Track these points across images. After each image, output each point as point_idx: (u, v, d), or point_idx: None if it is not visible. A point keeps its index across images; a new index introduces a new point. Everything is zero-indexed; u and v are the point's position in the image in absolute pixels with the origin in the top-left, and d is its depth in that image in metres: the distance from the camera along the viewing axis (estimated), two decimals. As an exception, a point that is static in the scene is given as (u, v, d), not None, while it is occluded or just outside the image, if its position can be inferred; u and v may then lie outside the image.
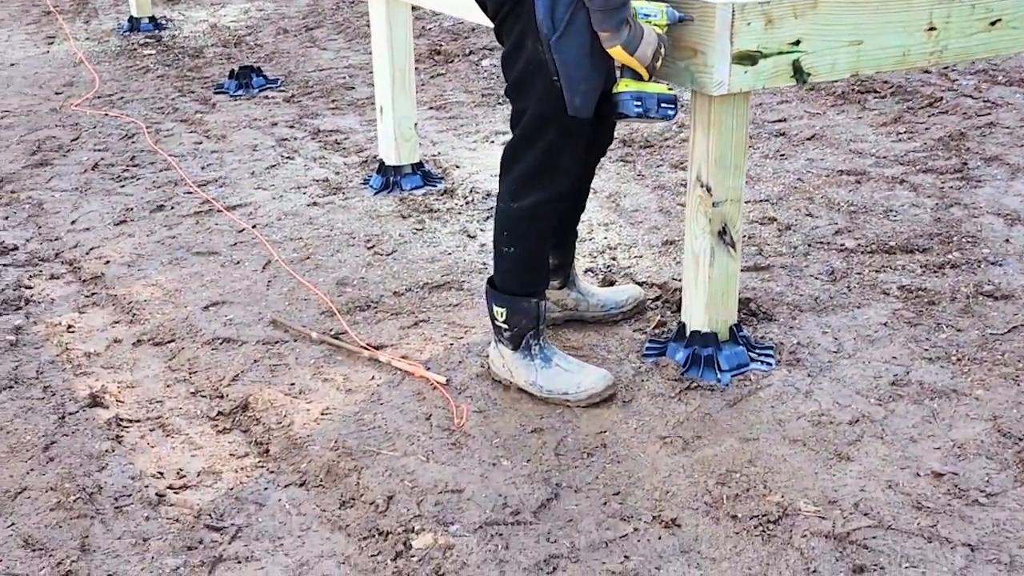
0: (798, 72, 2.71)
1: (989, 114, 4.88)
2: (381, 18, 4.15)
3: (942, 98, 5.08)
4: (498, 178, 2.78)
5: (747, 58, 2.61)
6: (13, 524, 2.43)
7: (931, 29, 2.83)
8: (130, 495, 2.52)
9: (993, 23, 2.92)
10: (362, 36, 6.87)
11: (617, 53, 2.50)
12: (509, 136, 2.75)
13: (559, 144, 2.63)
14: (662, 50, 2.55)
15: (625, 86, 2.57)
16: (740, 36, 2.58)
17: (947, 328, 3.08)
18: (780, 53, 2.66)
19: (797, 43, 2.67)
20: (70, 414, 2.85)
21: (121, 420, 2.82)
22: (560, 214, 2.87)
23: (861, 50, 2.77)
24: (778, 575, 2.16)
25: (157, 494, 2.51)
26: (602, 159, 3.06)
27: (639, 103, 2.56)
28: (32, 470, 2.62)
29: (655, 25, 2.56)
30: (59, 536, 2.38)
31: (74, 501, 2.50)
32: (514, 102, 2.69)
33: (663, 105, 2.58)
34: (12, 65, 6.51)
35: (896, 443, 2.57)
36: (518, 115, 2.68)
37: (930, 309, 3.19)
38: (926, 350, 2.97)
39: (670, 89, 2.61)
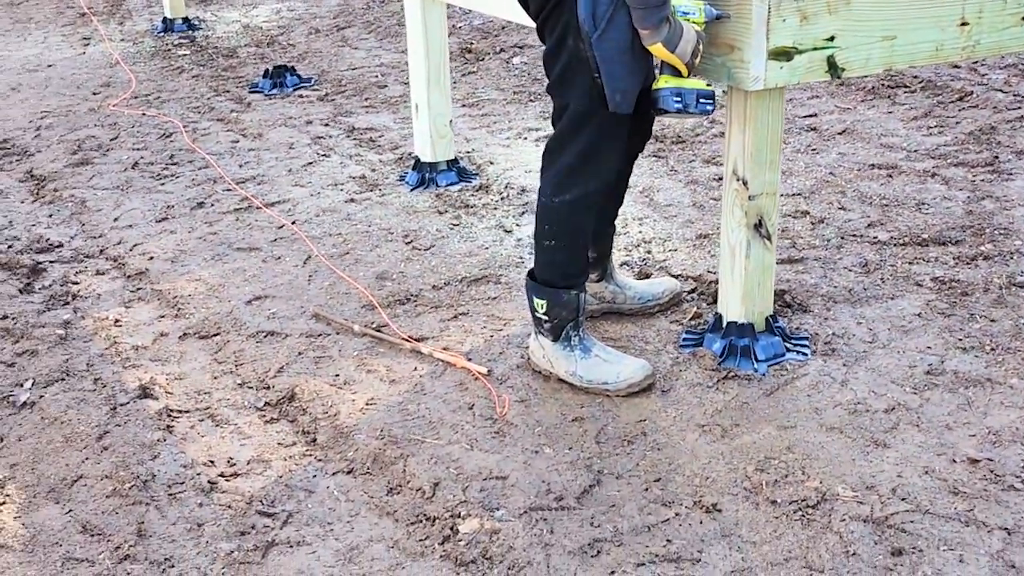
0: (832, 67, 2.75)
1: (1019, 108, 4.89)
2: (416, 16, 4.21)
3: (972, 92, 5.10)
4: (540, 173, 2.84)
5: (783, 54, 2.66)
6: (71, 511, 2.51)
7: (964, 24, 2.87)
8: (183, 482, 2.59)
9: (1025, 17, 2.95)
10: (393, 35, 6.95)
11: (657, 50, 2.56)
12: (543, 132, 2.81)
13: (600, 140, 2.69)
14: (700, 47, 2.60)
15: (665, 82, 2.62)
16: (776, 32, 2.63)
17: (981, 318, 3.12)
18: (815, 49, 2.70)
19: (832, 39, 2.72)
20: (121, 405, 2.93)
21: (171, 411, 2.90)
22: (600, 208, 2.93)
23: (895, 45, 2.81)
24: (818, 558, 2.21)
25: (209, 481, 2.59)
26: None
27: (679, 99, 2.62)
28: (87, 459, 2.70)
29: (693, 22, 2.61)
30: (116, 522, 2.46)
31: (129, 488, 2.57)
32: (556, 99, 2.74)
33: (702, 100, 2.63)
34: (50, 66, 6.62)
35: (932, 430, 2.61)
36: (560, 111, 2.73)
37: (963, 300, 3.22)
38: (960, 340, 3.01)
39: (708, 85, 2.66)
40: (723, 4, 2.68)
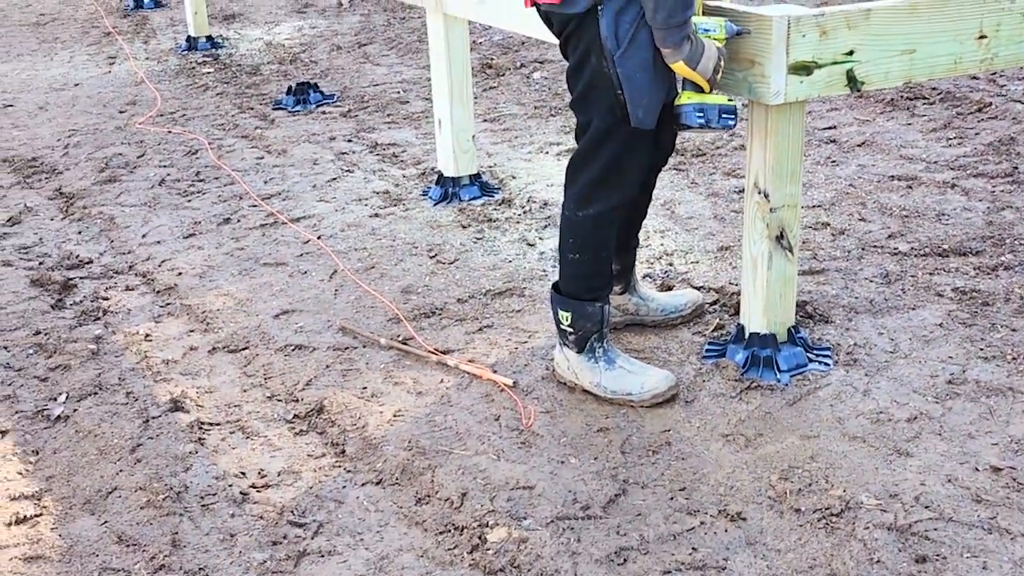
0: (852, 81, 2.79)
1: (1039, 118, 4.92)
2: (439, 34, 4.27)
3: (991, 103, 5.12)
4: (563, 188, 2.88)
5: (803, 68, 2.70)
6: (106, 522, 2.56)
7: (982, 37, 2.90)
8: (215, 494, 2.64)
9: (1043, 29, 2.98)
10: (414, 51, 7.02)
11: (680, 68, 2.60)
12: (564, 147, 2.85)
13: (622, 155, 2.73)
14: (721, 63, 2.64)
15: (687, 98, 2.67)
16: (796, 47, 2.67)
17: (1002, 328, 3.14)
18: (835, 63, 2.74)
19: (851, 53, 2.76)
20: (153, 418, 2.99)
21: (202, 423, 2.95)
22: (623, 221, 2.97)
23: (914, 58, 2.85)
24: (842, 565, 2.24)
25: (241, 493, 2.64)
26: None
27: (701, 114, 2.66)
28: (121, 471, 2.75)
29: (714, 39, 2.65)
30: (151, 532, 2.51)
31: (163, 500, 2.62)
32: (579, 115, 2.79)
33: (724, 116, 2.67)
34: (76, 85, 6.72)
35: (954, 439, 2.64)
36: (583, 127, 2.78)
37: (984, 310, 3.25)
38: (981, 349, 3.03)
39: (730, 100, 2.70)
40: (743, 20, 2.72)
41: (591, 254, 2.84)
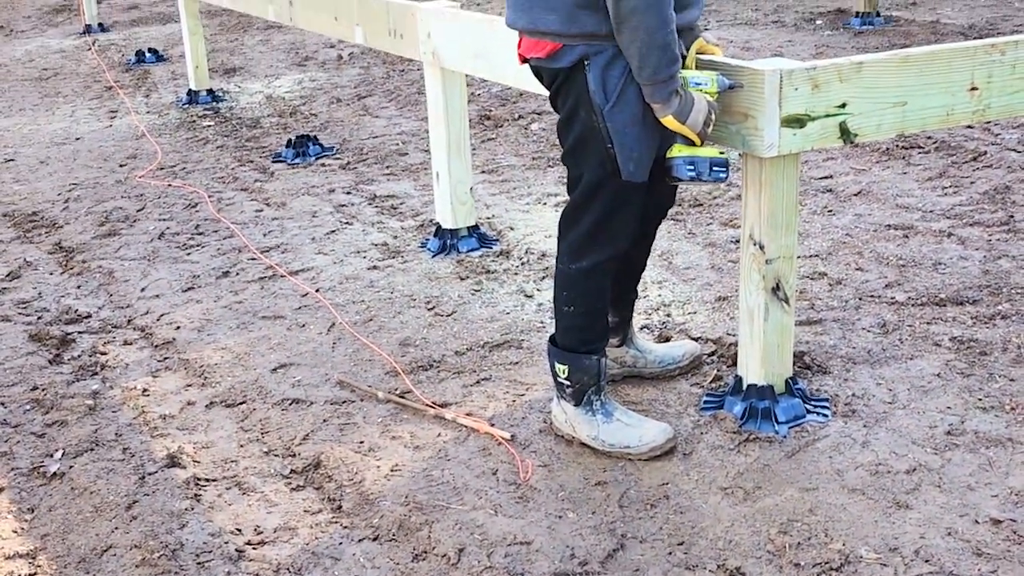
0: (845, 133, 2.81)
1: (1034, 166, 4.94)
2: (437, 87, 4.31)
3: (986, 152, 5.15)
4: (557, 240, 2.89)
5: (796, 121, 2.72)
6: (101, 580, 2.54)
7: (973, 89, 2.93)
8: (211, 551, 2.62)
9: (1034, 81, 3.01)
10: (412, 103, 7.07)
11: (669, 122, 2.62)
12: (562, 198, 2.87)
13: (614, 208, 2.74)
14: (712, 116, 2.66)
15: (678, 151, 2.69)
16: (788, 100, 2.69)
17: (1000, 378, 3.13)
18: (827, 116, 2.76)
19: (843, 106, 2.78)
20: (149, 474, 2.98)
21: (199, 479, 2.94)
22: (619, 273, 2.98)
23: (906, 110, 2.87)
24: (843, 621, 2.22)
25: (237, 550, 2.62)
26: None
27: (691, 167, 2.68)
28: (116, 528, 2.74)
29: (706, 93, 2.68)
30: (146, 591, 2.49)
31: (158, 558, 2.61)
32: (571, 168, 2.81)
33: (715, 168, 2.69)
34: (78, 139, 6.76)
35: (954, 491, 2.62)
36: (575, 180, 2.80)
37: (982, 360, 3.24)
38: (980, 400, 3.02)
39: (722, 153, 2.72)
40: (736, 74, 2.75)
41: (585, 306, 2.84)
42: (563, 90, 2.72)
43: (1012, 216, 4.35)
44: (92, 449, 3.13)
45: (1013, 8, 8.99)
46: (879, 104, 2.83)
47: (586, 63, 2.61)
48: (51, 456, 3.09)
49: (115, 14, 11.81)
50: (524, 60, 2.79)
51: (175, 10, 10.06)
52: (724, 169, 2.70)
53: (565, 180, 2.93)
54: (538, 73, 2.81)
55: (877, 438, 2.87)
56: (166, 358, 3.70)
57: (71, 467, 3.03)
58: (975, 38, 7.73)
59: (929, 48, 2.89)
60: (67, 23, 11.48)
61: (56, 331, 3.90)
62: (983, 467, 2.71)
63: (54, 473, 3.00)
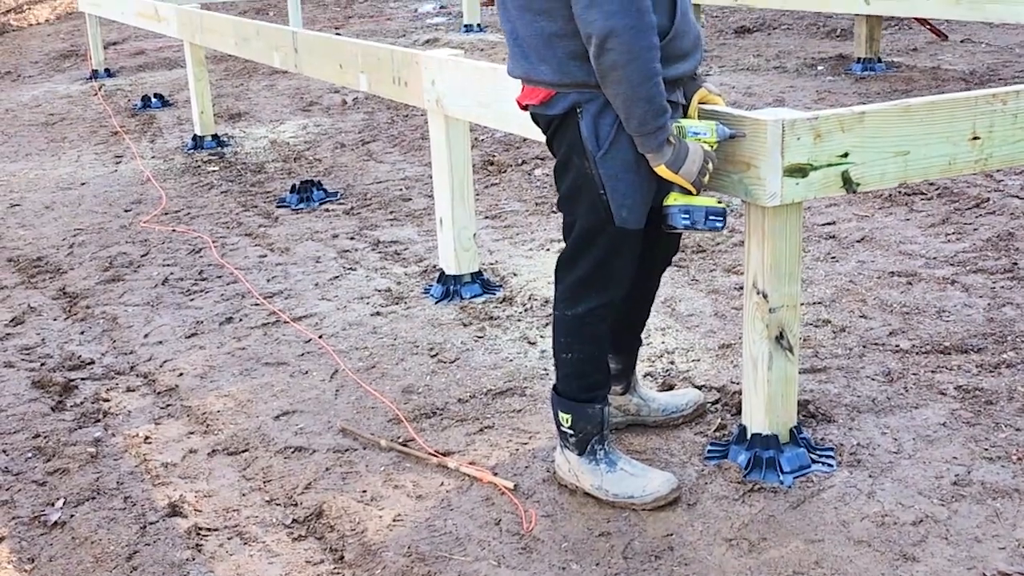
0: (847, 182, 2.81)
1: (1037, 213, 4.95)
2: (440, 134, 4.33)
3: (988, 199, 5.16)
4: (554, 286, 2.90)
5: (798, 171, 2.73)
6: (101, 632, 2.52)
7: (975, 138, 2.94)
8: (212, 602, 2.60)
9: (1036, 131, 3.02)
10: (417, 149, 7.10)
11: (662, 171, 2.63)
12: (564, 244, 2.87)
13: (608, 254, 2.75)
14: (709, 165, 2.67)
15: (674, 199, 2.69)
16: (791, 150, 2.70)
17: (1006, 427, 3.12)
18: (829, 165, 2.77)
19: (845, 155, 2.79)
20: (151, 523, 2.96)
21: (200, 529, 2.92)
22: (622, 321, 2.98)
23: (908, 160, 2.88)
24: (850, 676, 2.19)
25: (238, 601, 2.60)
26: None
27: (687, 216, 2.68)
28: (117, 578, 2.72)
29: (705, 142, 2.69)
30: (145, 643, 2.47)
31: (158, 608, 2.58)
32: (565, 214, 2.82)
33: (711, 218, 2.69)
34: (83, 184, 6.79)
35: (961, 543, 2.60)
36: (569, 227, 2.81)
37: (988, 409, 3.23)
38: (986, 450, 3.01)
39: (720, 202, 2.73)
40: (738, 123, 2.76)
41: (584, 353, 2.84)
42: (557, 136, 2.75)
43: (1016, 263, 4.35)
44: (93, 498, 3.11)
45: (1014, 54, 9.05)
46: (881, 154, 2.84)
47: (579, 110, 2.64)
48: (52, 505, 3.08)
49: (122, 59, 11.91)
50: (523, 107, 2.82)
51: (181, 55, 10.14)
52: (720, 218, 2.70)
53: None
54: (536, 119, 2.84)
55: (883, 488, 2.85)
56: (169, 405, 3.69)
57: (72, 516, 3.02)
58: (976, 84, 7.78)
59: (931, 98, 2.90)
60: (74, 68, 11.58)
61: (59, 378, 3.90)
62: (990, 519, 2.69)
63: (55, 522, 2.98)
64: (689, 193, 2.69)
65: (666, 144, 2.61)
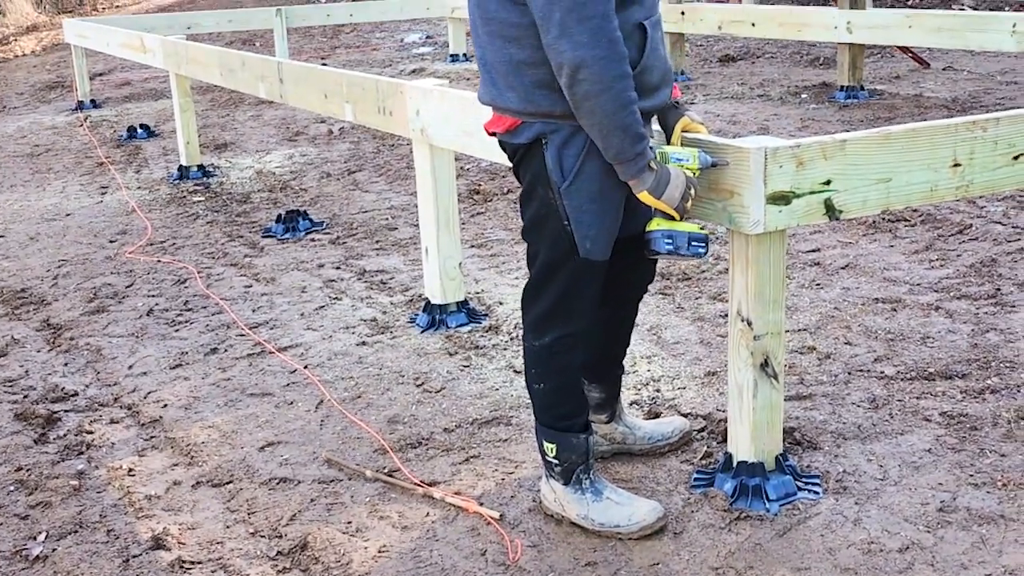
0: (830, 210, 2.83)
1: (1019, 239, 4.97)
2: (425, 164, 4.34)
3: (971, 225, 5.19)
4: (521, 316, 2.90)
5: (781, 198, 2.74)
6: (82, 667, 2.49)
7: (956, 165, 2.96)
8: (195, 636, 2.58)
9: (1016, 157, 3.04)
10: (402, 178, 7.11)
11: (644, 197, 2.63)
12: (529, 273, 2.86)
13: (572, 285, 2.74)
14: (691, 191, 2.67)
15: (657, 225, 2.69)
16: (773, 178, 2.71)
17: (991, 453, 3.12)
18: (812, 192, 2.78)
19: (828, 183, 2.80)
20: (134, 557, 2.94)
21: (184, 562, 2.89)
22: (601, 350, 2.98)
23: (890, 187, 2.89)
24: None
25: (221, 635, 2.57)
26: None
27: (670, 241, 2.68)
28: (99, 613, 2.69)
29: (687, 168, 2.69)
30: None
31: (141, 643, 2.56)
32: (529, 244, 2.82)
33: (693, 243, 2.69)
34: (68, 215, 6.78)
35: (947, 570, 2.60)
36: (533, 256, 2.80)
37: (973, 435, 3.23)
38: (971, 476, 3.01)
39: (702, 228, 2.73)
40: (721, 151, 2.77)
41: (554, 382, 2.83)
42: (523, 165, 2.75)
43: (999, 289, 4.37)
44: (76, 531, 3.08)
45: (995, 81, 9.13)
46: (864, 181, 2.85)
47: (544, 141, 2.64)
48: (34, 539, 3.05)
49: (107, 90, 11.92)
50: (491, 133, 2.81)
51: (167, 86, 10.16)
52: (703, 244, 2.70)
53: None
54: (502, 146, 2.83)
55: (869, 516, 2.85)
56: (153, 437, 3.66)
57: (55, 550, 2.99)
58: (958, 111, 7.84)
59: (911, 125, 2.92)
60: (60, 99, 11.59)
61: (42, 410, 3.87)
62: (976, 545, 2.69)
63: (37, 556, 2.96)
64: (672, 219, 2.70)
65: (647, 170, 2.61)
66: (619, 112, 2.51)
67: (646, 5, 2.65)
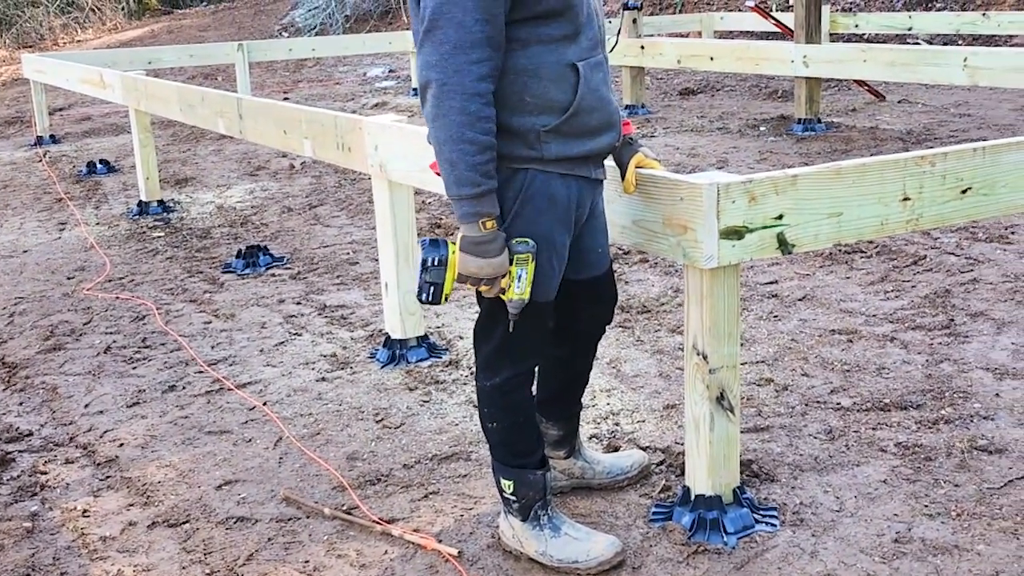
0: (783, 244, 2.86)
1: (972, 270, 5.05)
2: (384, 199, 4.35)
3: (926, 256, 5.26)
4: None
5: (734, 233, 2.77)
6: None
7: (905, 199, 3.00)
8: None
9: (964, 191, 3.09)
10: (364, 212, 7.11)
11: (456, 248, 2.56)
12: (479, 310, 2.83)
13: (519, 325, 2.69)
14: (486, 287, 2.58)
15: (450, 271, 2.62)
16: (726, 213, 2.74)
17: (945, 484, 3.15)
18: (765, 227, 2.82)
19: (780, 217, 2.84)
20: (88, 599, 2.90)
21: (138, 604, 2.86)
22: (559, 389, 2.99)
23: (841, 221, 2.93)
24: None
25: None
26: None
27: (425, 264, 2.60)
28: (51, 658, 2.65)
29: (519, 261, 2.58)
30: None
31: None
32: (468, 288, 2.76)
33: (426, 284, 2.61)
34: (25, 252, 6.72)
35: (902, 601, 2.61)
36: (480, 296, 2.76)
37: (927, 465, 3.26)
38: (926, 506, 3.03)
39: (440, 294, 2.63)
40: (674, 187, 2.80)
41: (507, 421, 2.82)
42: None
43: (952, 319, 4.42)
44: (29, 574, 3.04)
45: (949, 114, 9.28)
46: (815, 215, 2.89)
47: None
48: (-15, 582, 3.00)
49: (67, 125, 11.86)
50: (437, 173, 2.78)
51: (128, 121, 10.12)
52: (426, 295, 2.61)
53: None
54: None
55: (826, 548, 2.87)
56: (108, 477, 3.62)
57: (6, 594, 2.95)
58: (913, 143, 7.96)
59: (861, 160, 2.96)
60: (18, 135, 11.51)
61: (-5, 450, 3.82)
62: None
63: (-12, 600, 2.91)
64: (449, 280, 2.59)
65: (471, 222, 2.50)
66: (448, 144, 2.46)
67: (583, 46, 2.62)
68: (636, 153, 2.87)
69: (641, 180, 2.88)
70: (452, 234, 6.34)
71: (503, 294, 2.61)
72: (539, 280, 2.66)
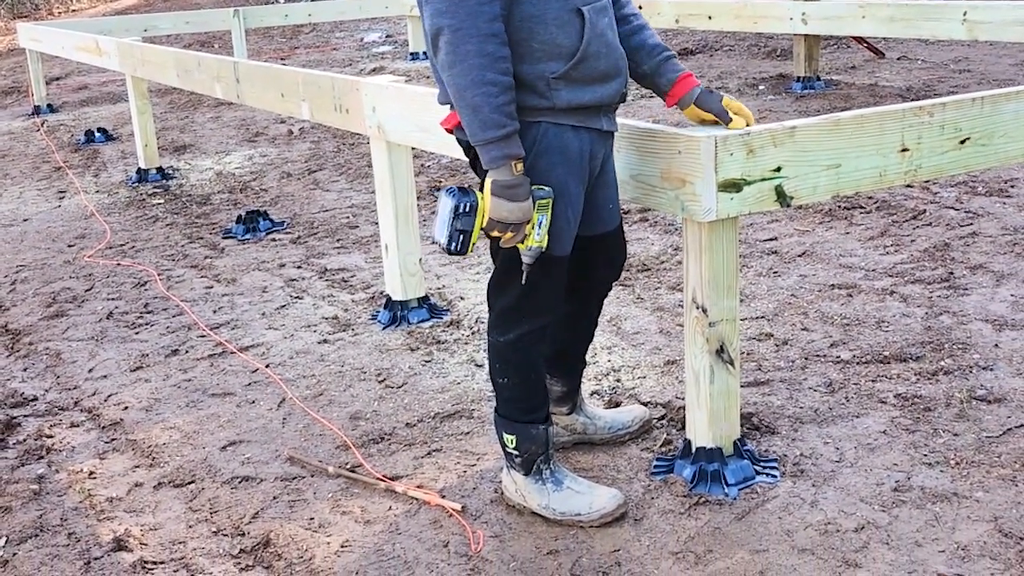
0: (781, 196, 2.86)
1: (971, 224, 5.05)
2: (383, 160, 4.35)
3: (925, 210, 5.26)
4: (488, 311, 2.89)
5: (732, 186, 2.77)
6: (45, 670, 2.48)
7: (904, 150, 3.00)
8: (158, 635, 2.57)
9: (962, 142, 3.09)
10: (363, 176, 7.11)
11: (486, 194, 2.55)
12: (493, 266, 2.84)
13: (535, 281, 2.71)
14: (510, 234, 2.57)
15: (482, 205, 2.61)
16: (724, 165, 2.74)
17: (944, 433, 3.17)
18: (763, 180, 2.82)
19: (778, 169, 2.83)
20: (95, 559, 2.92)
21: (146, 563, 2.89)
22: (564, 345, 2.99)
23: (840, 173, 2.93)
24: None
25: (184, 633, 2.57)
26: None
27: (454, 206, 2.59)
28: (61, 615, 2.68)
29: (540, 206, 2.59)
30: None
31: (104, 644, 2.55)
32: (491, 239, 2.76)
33: (455, 219, 2.60)
34: (25, 220, 6.72)
35: (902, 548, 2.64)
36: (495, 252, 2.79)
37: (926, 415, 3.28)
38: (925, 455, 3.06)
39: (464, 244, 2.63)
40: (673, 140, 2.80)
41: (519, 377, 2.84)
42: (477, 161, 2.70)
43: (952, 273, 4.43)
44: (36, 535, 3.07)
45: (948, 70, 9.24)
46: (813, 167, 2.89)
47: None
48: (-6, 544, 3.03)
49: (65, 95, 11.82)
50: (448, 130, 2.79)
51: (125, 89, 10.09)
52: (448, 242, 2.60)
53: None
54: (459, 142, 2.80)
55: (825, 497, 2.89)
56: (113, 439, 3.65)
57: (15, 554, 2.97)
58: (912, 100, 7.93)
59: (860, 111, 2.96)
60: (16, 105, 11.48)
61: (1, 415, 3.84)
62: (930, 523, 2.73)
63: (-3, 561, 2.94)
64: (477, 227, 2.58)
65: (502, 166, 2.50)
66: (470, 89, 2.45)
67: None
68: (723, 97, 2.82)
69: (638, 134, 2.88)
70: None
71: (522, 242, 2.61)
72: (555, 233, 2.66)
